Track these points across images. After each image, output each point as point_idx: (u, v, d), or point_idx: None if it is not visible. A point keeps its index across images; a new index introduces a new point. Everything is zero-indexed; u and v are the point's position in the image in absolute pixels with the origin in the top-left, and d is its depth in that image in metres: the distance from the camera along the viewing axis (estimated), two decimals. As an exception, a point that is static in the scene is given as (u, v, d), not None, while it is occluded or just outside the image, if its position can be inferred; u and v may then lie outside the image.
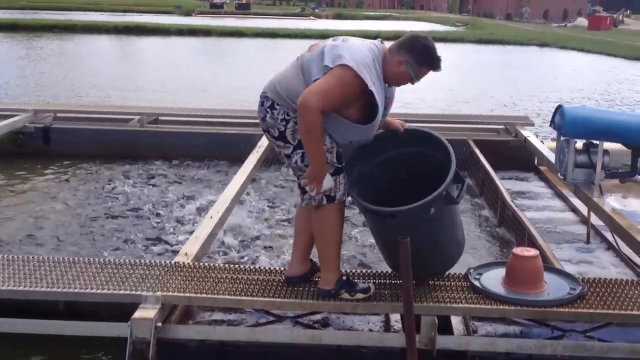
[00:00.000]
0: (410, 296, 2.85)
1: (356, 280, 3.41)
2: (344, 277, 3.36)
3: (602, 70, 21.47)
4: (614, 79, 19.10)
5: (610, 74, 20.20)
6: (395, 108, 3.65)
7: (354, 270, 3.71)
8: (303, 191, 3.25)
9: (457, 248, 3.51)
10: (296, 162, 3.21)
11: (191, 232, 4.65)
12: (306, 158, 3.17)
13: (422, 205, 3.12)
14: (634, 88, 17.05)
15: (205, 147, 7.70)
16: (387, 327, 3.51)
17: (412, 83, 3.23)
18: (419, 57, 3.15)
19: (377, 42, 3.25)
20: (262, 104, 3.26)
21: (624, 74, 20.55)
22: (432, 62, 3.17)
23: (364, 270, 3.73)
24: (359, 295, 3.30)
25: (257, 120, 3.37)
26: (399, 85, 3.30)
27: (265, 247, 5.15)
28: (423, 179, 3.25)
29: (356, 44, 3.15)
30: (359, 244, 5.23)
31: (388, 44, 3.25)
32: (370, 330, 3.47)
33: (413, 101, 11.97)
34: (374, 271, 3.69)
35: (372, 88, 3.04)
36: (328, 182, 3.17)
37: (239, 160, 6.61)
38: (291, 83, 3.17)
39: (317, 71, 3.08)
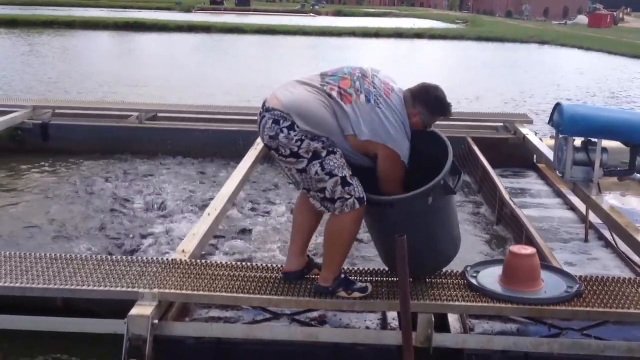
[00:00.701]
0: (407, 294, 2.85)
1: (354, 279, 3.41)
2: (343, 276, 3.36)
3: (604, 67, 21.44)
4: (619, 77, 19.07)
5: (615, 73, 20.15)
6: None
7: (351, 268, 3.70)
8: (332, 200, 3.19)
9: (453, 243, 3.51)
10: (317, 172, 3.15)
11: (189, 230, 4.65)
12: (327, 165, 3.14)
13: (421, 194, 3.14)
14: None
15: (204, 144, 7.69)
16: (384, 325, 3.50)
17: (425, 129, 3.40)
18: (431, 108, 3.36)
19: (401, 95, 3.31)
20: (276, 122, 3.15)
21: (628, 71, 20.52)
22: (444, 111, 3.40)
23: (361, 268, 3.72)
24: (356, 295, 3.30)
25: (256, 118, 3.35)
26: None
27: (262, 244, 5.15)
28: (419, 174, 3.25)
29: (391, 119, 3.20)
30: (357, 243, 5.22)
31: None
32: (367, 328, 3.46)
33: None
34: (371, 269, 3.68)
35: (405, 162, 3.27)
36: None
37: (237, 157, 6.60)
38: (325, 122, 3.15)
39: (356, 129, 3.17)
